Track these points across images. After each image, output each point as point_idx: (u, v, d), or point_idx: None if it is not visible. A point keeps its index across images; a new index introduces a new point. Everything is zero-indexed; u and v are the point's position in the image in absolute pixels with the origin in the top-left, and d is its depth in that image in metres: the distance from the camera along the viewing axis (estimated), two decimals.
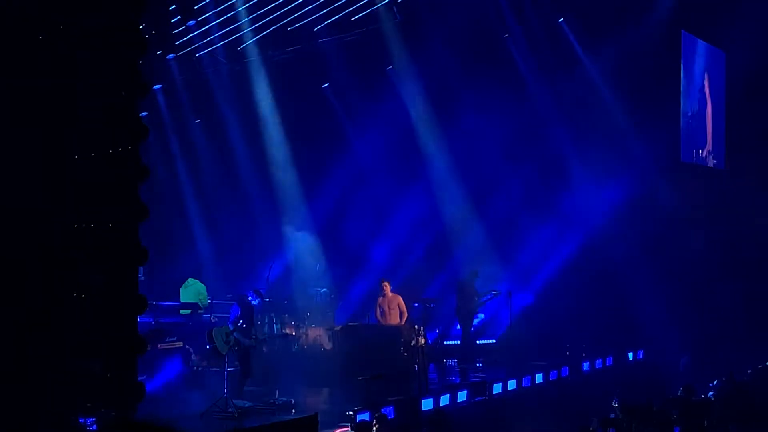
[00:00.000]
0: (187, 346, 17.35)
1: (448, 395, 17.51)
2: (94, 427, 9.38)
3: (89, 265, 8.91)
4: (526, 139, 24.48)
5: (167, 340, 16.94)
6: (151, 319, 16.83)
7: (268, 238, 23.96)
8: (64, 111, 8.70)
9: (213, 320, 18.26)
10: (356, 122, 24.60)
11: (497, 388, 19.08)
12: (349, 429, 14.37)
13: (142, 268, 10.26)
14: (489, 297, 22.42)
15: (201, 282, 20.29)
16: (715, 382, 17.56)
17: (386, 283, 19.66)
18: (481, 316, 23.22)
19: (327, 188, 24.05)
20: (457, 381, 19.74)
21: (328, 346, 19.81)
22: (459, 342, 22.51)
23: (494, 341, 23.93)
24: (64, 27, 8.70)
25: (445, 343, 23.20)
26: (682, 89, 26.84)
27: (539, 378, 20.61)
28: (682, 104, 26.84)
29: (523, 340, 22.78)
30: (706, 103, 28.58)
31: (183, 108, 23.24)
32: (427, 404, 16.76)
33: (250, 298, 17.07)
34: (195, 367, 17.59)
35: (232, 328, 16.40)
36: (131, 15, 9.02)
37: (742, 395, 16.05)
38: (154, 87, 21.43)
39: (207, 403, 15.06)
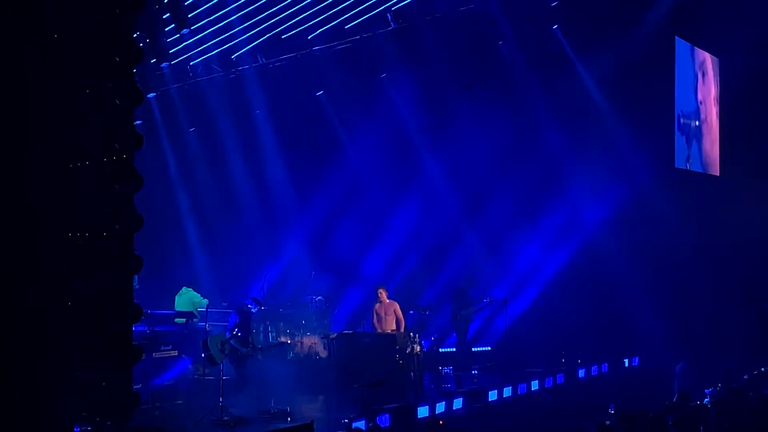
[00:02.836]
0: (182, 355, 17.33)
1: (444, 402, 17.51)
2: None
3: (84, 274, 8.89)
4: (520, 146, 24.49)
5: (162, 348, 16.90)
6: (146, 328, 16.80)
7: (263, 246, 23.96)
8: (57, 120, 8.69)
9: (208, 329, 18.23)
10: (350, 130, 24.62)
11: (493, 396, 19.09)
12: None
13: (137, 277, 10.24)
14: (484, 304, 22.40)
15: (195, 290, 20.25)
16: (711, 388, 17.58)
17: (382, 290, 19.65)
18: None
19: (321, 196, 24.06)
20: (453, 388, 19.73)
21: (323, 354, 19.80)
22: (454, 349, 22.51)
23: (490, 348, 23.92)
24: (57, 35, 8.69)
25: (440, 350, 23.19)
26: (676, 95, 26.87)
27: (535, 385, 20.62)
28: (676, 111, 26.88)
29: (518, 347, 22.76)
30: (703, 110, 28.62)
31: (177, 116, 23.24)
32: (422, 412, 16.76)
33: (249, 307, 17.06)
34: (191, 376, 17.56)
35: (228, 336, 16.39)
36: (126, 23, 9.02)
37: (738, 401, 16.05)
38: (148, 95, 21.43)
39: (202, 411, 15.04)
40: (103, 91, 8.87)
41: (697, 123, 28.19)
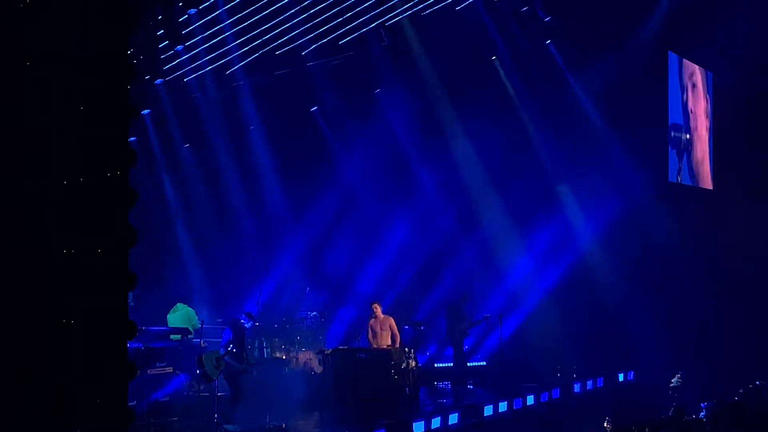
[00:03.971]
0: (177, 371, 17.29)
1: (440, 418, 17.48)
2: None
3: (78, 291, 8.88)
4: (514, 161, 24.55)
5: (157, 365, 16.87)
6: (141, 344, 16.78)
7: (258, 262, 23.94)
8: (51, 136, 8.69)
9: (203, 345, 18.22)
10: (345, 145, 24.64)
11: (488, 410, 19.07)
12: None
13: (131, 293, 10.24)
14: (480, 319, 22.41)
15: (190, 306, 20.22)
16: (707, 402, 17.55)
17: (376, 305, 19.63)
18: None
19: (316, 211, 24.06)
20: (449, 403, 19.70)
21: (318, 369, 19.77)
22: (451, 364, 22.50)
23: (485, 363, 23.92)
24: (51, 52, 8.70)
25: (435, 365, 23.18)
26: (669, 109, 26.92)
27: (530, 400, 20.60)
28: (669, 124, 26.94)
29: (513, 361, 22.77)
30: (693, 124, 28.67)
31: (172, 132, 23.23)
32: (418, 427, 16.71)
33: (242, 322, 17.04)
34: (185, 392, 17.53)
35: (223, 352, 16.36)
36: (120, 40, 9.03)
37: (734, 415, 16.04)
38: (142, 112, 21.43)
39: (197, 428, 15.01)
40: (98, 108, 8.87)
41: (687, 137, 28.25)
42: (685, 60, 27.83)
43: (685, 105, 28.20)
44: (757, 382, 20.01)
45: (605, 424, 15.88)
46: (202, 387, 17.07)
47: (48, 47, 8.71)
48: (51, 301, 8.72)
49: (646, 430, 14.42)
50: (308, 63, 21.82)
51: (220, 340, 17.22)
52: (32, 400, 8.53)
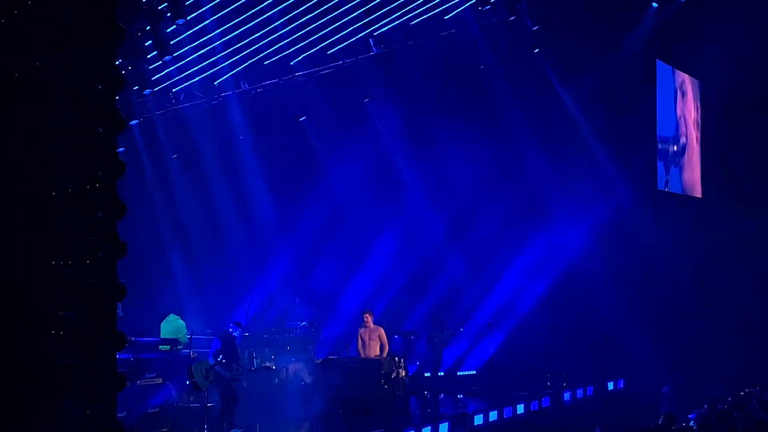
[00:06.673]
0: (166, 382, 17.25)
1: (429, 427, 17.47)
2: None
3: (67, 302, 8.86)
4: (503, 170, 24.57)
5: (146, 376, 16.84)
6: (131, 356, 16.73)
7: (247, 272, 23.89)
8: (39, 149, 8.67)
9: (192, 355, 18.16)
10: (334, 155, 24.63)
11: (478, 419, 19.08)
12: None
13: (120, 304, 10.22)
14: (454, 330, 22.46)
15: (182, 319, 20.18)
16: (696, 410, 17.58)
17: (368, 315, 19.61)
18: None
19: (305, 221, 24.03)
20: (438, 413, 19.68)
21: (308, 379, 19.74)
22: (440, 374, 22.50)
23: (475, 372, 23.91)
24: (39, 63, 8.68)
25: (425, 375, 23.16)
26: (657, 118, 26.99)
27: (520, 409, 20.61)
28: (657, 133, 27.00)
29: (503, 370, 22.77)
30: (681, 132, 28.73)
31: (160, 143, 23.17)
32: None
33: (231, 331, 17.02)
34: (175, 403, 17.48)
35: (212, 362, 16.32)
36: (108, 51, 9.02)
37: (723, 423, 16.06)
38: (131, 123, 21.37)
39: None
40: (86, 119, 8.85)
41: (675, 148, 28.32)
42: (674, 68, 27.91)
43: (674, 115, 28.27)
44: (747, 390, 20.06)
45: None
46: (191, 398, 17.02)
47: (35, 57, 8.70)
48: (40, 312, 8.69)
49: None
50: (297, 73, 21.81)
51: (209, 350, 17.18)
52: (20, 413, 8.50)
